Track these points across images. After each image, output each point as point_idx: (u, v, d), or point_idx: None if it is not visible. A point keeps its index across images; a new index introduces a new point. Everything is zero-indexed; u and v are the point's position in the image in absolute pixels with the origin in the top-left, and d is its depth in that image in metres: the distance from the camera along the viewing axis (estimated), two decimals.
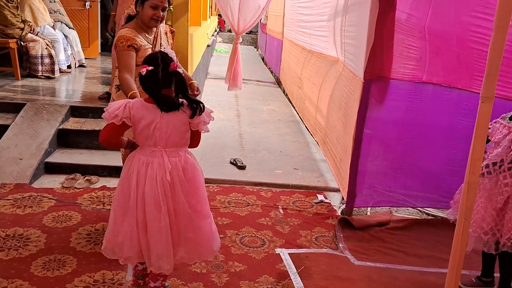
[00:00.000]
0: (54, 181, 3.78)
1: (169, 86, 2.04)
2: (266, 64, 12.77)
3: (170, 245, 2.10)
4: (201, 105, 2.10)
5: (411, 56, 3.28)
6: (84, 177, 3.84)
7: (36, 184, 3.69)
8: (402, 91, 3.34)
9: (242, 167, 4.40)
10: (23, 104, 4.43)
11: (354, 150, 3.38)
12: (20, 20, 5.50)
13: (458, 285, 1.99)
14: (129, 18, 2.73)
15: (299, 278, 2.64)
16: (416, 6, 3.20)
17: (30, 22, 5.67)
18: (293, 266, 2.76)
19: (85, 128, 4.29)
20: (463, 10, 3.14)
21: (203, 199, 2.21)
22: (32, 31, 5.59)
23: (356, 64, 3.48)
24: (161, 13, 2.59)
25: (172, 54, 2.10)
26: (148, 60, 2.09)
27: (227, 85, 5.94)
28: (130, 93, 2.41)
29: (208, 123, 2.16)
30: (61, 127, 4.27)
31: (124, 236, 2.10)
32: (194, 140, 2.23)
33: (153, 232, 2.07)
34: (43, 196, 3.45)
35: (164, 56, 2.06)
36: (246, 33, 18.57)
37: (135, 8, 2.63)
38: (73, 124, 4.38)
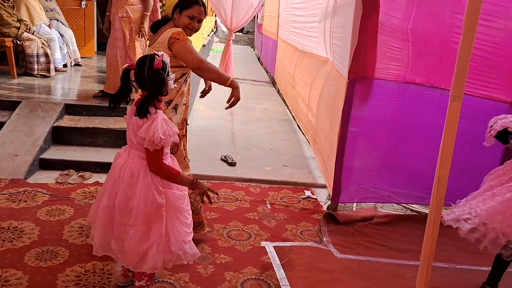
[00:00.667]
0: (48, 177, 3.87)
1: (150, 84, 2.07)
2: (262, 64, 12.86)
3: (109, 237, 2.15)
4: (143, 107, 2.03)
5: (394, 56, 3.38)
6: (78, 173, 3.93)
7: (31, 180, 3.78)
8: (385, 90, 3.44)
9: (232, 164, 4.50)
10: (19, 102, 4.52)
11: (339, 147, 3.48)
12: (16, 19, 5.58)
13: (430, 275, 2.09)
14: (161, 22, 2.68)
15: (282, 269, 2.74)
16: (399, 8, 3.30)
17: (26, 21, 5.74)
18: (277, 258, 2.86)
19: (79, 126, 4.37)
20: (445, 12, 3.25)
21: (140, 212, 2.07)
22: (28, 30, 5.67)
23: (342, 64, 3.58)
24: (196, 24, 2.62)
25: (163, 55, 2.17)
26: (139, 59, 2.16)
27: None
28: (230, 80, 2.68)
29: (159, 142, 2.00)
30: (55, 124, 4.35)
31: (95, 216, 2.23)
32: (146, 158, 2.08)
33: (98, 219, 2.17)
34: (38, 191, 3.54)
35: (153, 57, 2.12)
36: (243, 33, 18.70)
37: (172, 14, 2.64)
38: (68, 121, 4.46)
